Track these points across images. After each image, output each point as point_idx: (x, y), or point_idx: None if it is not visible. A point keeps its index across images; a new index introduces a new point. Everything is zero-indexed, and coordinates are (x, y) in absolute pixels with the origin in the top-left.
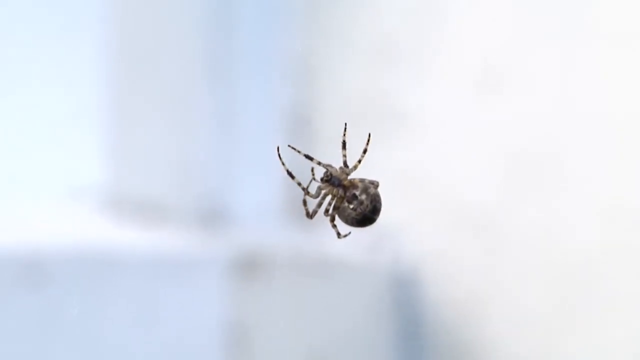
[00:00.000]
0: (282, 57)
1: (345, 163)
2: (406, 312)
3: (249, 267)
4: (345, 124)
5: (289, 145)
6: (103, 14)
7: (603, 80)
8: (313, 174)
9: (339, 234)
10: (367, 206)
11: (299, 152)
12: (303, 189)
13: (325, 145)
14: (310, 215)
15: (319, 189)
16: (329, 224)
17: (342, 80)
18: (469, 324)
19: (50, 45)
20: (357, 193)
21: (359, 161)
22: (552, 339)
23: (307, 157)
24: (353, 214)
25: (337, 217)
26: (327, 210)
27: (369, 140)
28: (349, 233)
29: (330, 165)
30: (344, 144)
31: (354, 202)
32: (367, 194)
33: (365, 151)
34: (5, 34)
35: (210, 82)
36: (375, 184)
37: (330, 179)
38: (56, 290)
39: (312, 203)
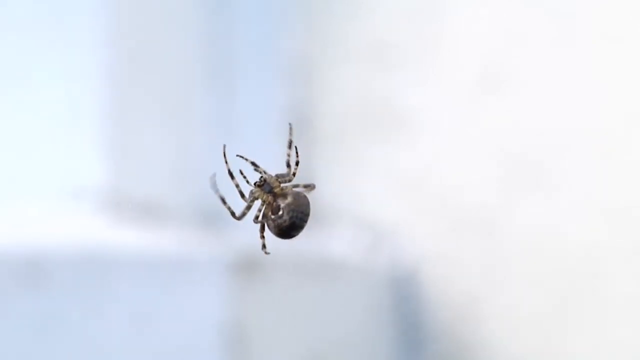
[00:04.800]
0: (282, 57)
1: (288, 163)
2: (405, 312)
3: (248, 267)
4: (290, 124)
5: (237, 155)
6: (103, 14)
7: (602, 81)
8: (246, 179)
9: (264, 246)
10: (285, 221)
11: (246, 159)
12: (240, 192)
13: (325, 145)
14: (237, 217)
15: (251, 193)
16: (259, 234)
17: (342, 80)
18: (469, 325)
19: (50, 45)
20: (282, 205)
21: (294, 174)
22: (552, 339)
23: (254, 164)
24: (272, 225)
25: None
26: (256, 217)
27: (297, 153)
28: (267, 252)
29: (269, 175)
30: (290, 143)
31: (276, 214)
32: (291, 208)
33: (297, 163)
34: (4, 33)
35: (210, 82)
36: (311, 186)
37: (262, 185)
38: (55, 290)
39: (242, 205)
